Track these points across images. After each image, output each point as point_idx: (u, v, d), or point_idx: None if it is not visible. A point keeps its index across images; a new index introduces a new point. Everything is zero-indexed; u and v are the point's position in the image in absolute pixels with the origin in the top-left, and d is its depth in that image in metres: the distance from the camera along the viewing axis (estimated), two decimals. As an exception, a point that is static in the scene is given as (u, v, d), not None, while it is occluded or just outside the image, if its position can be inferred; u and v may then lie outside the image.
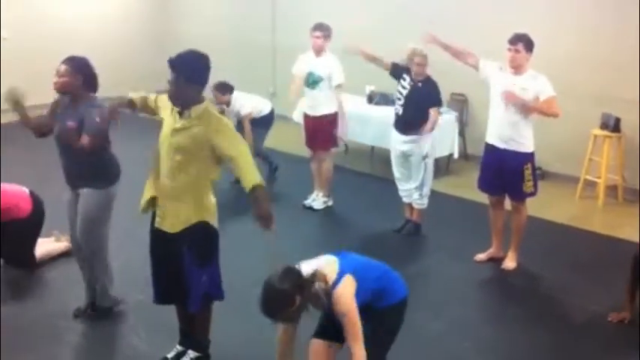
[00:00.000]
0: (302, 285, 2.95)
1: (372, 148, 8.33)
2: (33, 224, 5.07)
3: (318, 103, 6.30)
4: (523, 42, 4.95)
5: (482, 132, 8.08)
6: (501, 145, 5.09)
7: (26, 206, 5.06)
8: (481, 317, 4.70)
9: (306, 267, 3.07)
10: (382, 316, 3.19)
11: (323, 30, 6.21)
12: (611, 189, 7.00)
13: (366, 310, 3.07)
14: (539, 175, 7.55)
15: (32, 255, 5.07)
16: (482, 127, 7.99)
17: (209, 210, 3.67)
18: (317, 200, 6.46)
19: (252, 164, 3.52)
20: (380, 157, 7.98)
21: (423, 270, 5.35)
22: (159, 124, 3.70)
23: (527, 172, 5.14)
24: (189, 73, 3.49)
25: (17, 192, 5.10)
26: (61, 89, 4.22)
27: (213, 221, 3.69)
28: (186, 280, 3.62)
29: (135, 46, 11.32)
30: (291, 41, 9.85)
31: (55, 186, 6.38)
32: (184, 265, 3.59)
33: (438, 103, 5.73)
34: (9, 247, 5.00)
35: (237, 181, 3.56)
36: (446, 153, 7.64)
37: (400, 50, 5.86)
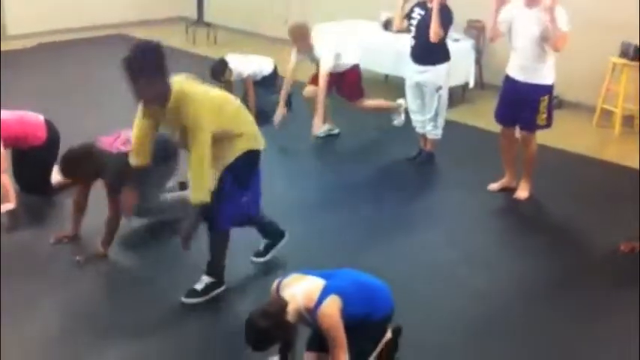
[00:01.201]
0: (282, 321, 3.02)
1: (387, 76, 8.24)
2: (49, 152, 5.09)
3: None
4: None
5: (499, 60, 8.00)
6: (521, 78, 5.04)
7: (42, 134, 5.08)
8: (492, 247, 4.74)
9: (290, 292, 3.12)
10: (367, 329, 3.24)
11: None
12: (628, 119, 6.93)
13: (354, 325, 3.12)
14: (556, 103, 7.48)
15: (48, 182, 5.13)
16: (499, 55, 7.95)
17: (245, 139, 3.83)
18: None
19: (200, 176, 3.58)
20: (394, 85, 7.90)
21: (437, 199, 5.39)
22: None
23: (543, 105, 5.10)
24: (143, 71, 3.57)
25: (33, 120, 5.11)
26: None
27: (252, 147, 3.85)
28: (220, 200, 3.71)
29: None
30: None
31: (65, 113, 6.47)
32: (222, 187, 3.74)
33: (445, 26, 5.55)
34: (26, 174, 5.06)
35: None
36: (462, 81, 7.55)
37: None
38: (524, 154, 5.23)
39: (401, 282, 3.84)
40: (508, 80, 5.19)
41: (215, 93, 3.82)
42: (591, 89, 7.13)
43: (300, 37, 6.13)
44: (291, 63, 6.29)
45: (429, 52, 5.56)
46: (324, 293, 3.08)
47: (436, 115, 5.76)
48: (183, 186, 4.55)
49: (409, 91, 5.88)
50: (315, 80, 6.30)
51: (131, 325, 3.75)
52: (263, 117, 6.90)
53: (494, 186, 5.40)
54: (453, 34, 7.59)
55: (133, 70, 3.53)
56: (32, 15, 9.99)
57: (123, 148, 4.35)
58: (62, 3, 10.43)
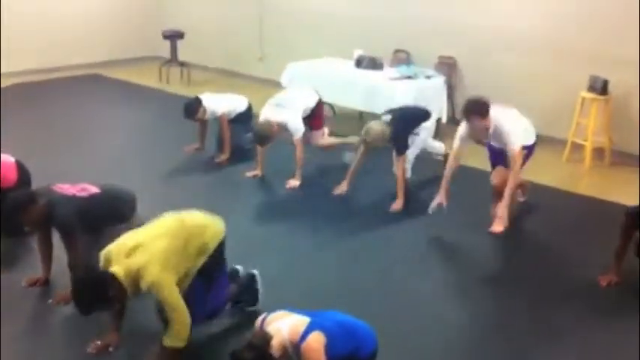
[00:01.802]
0: (266, 354, 3.03)
1: (361, 113, 8.30)
2: (20, 193, 5.04)
3: None
4: (475, 113, 5.04)
5: (470, 95, 8.11)
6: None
7: (12, 176, 5.03)
8: (467, 278, 4.74)
9: (275, 326, 3.14)
10: None
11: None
12: (598, 152, 7.03)
13: None
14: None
15: (20, 224, 5.06)
16: (471, 91, 8.06)
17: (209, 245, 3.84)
18: None
19: (179, 325, 3.54)
20: (368, 121, 7.94)
21: (408, 230, 5.38)
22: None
23: (523, 152, 5.28)
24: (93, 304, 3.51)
25: (4, 162, 5.06)
26: None
27: (215, 244, 3.87)
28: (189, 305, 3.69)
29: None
30: (279, 5, 9.82)
31: (40, 155, 6.44)
32: None
33: (406, 147, 5.89)
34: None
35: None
36: (434, 117, 7.60)
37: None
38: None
39: (378, 318, 3.84)
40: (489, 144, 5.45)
41: (157, 246, 3.61)
42: (561, 123, 7.23)
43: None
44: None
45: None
46: (309, 329, 3.08)
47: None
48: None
49: None
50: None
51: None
52: (239, 154, 6.94)
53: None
54: (425, 70, 7.74)
55: (81, 303, 3.49)
56: (5, 55, 9.98)
57: (78, 195, 4.33)
58: (36, 43, 10.44)
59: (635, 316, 4.18)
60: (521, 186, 5.65)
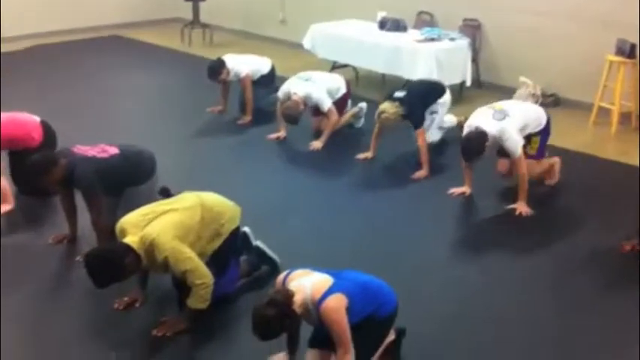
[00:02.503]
0: (289, 310, 3.02)
1: (384, 75, 8.24)
2: (45, 153, 5.08)
3: None
4: (474, 154, 5.00)
5: (495, 58, 8.04)
6: None
7: (37, 135, 5.06)
8: (487, 243, 4.72)
9: (297, 283, 3.13)
10: (372, 328, 3.24)
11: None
12: (625, 116, 6.93)
13: (358, 324, 3.12)
14: (552, 101, 7.50)
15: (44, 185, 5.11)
16: (495, 54, 7.98)
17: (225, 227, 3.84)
18: None
19: (202, 289, 3.55)
20: (391, 84, 7.90)
21: (431, 197, 5.36)
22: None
23: (535, 138, 5.25)
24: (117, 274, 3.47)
25: (29, 121, 5.10)
26: None
27: (231, 228, 3.85)
28: None
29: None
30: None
31: (62, 116, 6.46)
32: None
33: (422, 118, 5.81)
34: (22, 176, 5.04)
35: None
36: (458, 80, 7.54)
37: None
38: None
39: (400, 280, 3.84)
40: None
41: (173, 218, 3.62)
42: (588, 87, 7.13)
43: None
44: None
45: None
46: (332, 290, 3.07)
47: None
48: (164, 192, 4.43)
49: None
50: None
51: (127, 328, 3.73)
52: (261, 116, 6.92)
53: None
54: (449, 32, 7.64)
55: (96, 277, 3.44)
56: (26, 17, 9.98)
57: (98, 156, 4.34)
58: (57, 4, 10.42)
59: (659, 282, 4.15)
60: (549, 172, 5.52)
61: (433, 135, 6.04)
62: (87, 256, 3.48)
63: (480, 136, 4.94)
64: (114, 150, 4.43)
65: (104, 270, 3.42)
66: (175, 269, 3.54)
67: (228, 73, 6.84)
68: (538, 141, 5.28)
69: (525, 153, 5.15)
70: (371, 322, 3.20)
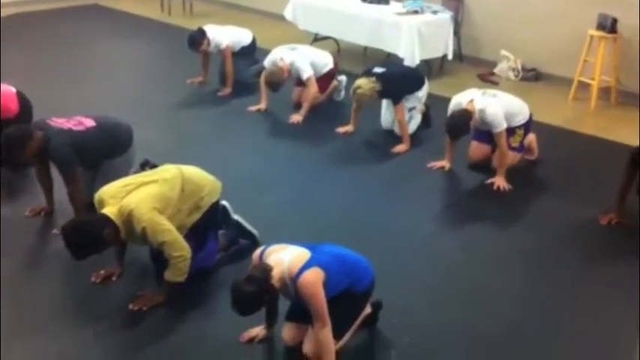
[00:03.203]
0: (267, 285, 3.03)
1: (365, 48, 8.19)
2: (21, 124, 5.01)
3: None
4: (459, 132, 5.05)
5: (477, 32, 8.02)
6: None
7: (13, 106, 5.00)
8: (467, 217, 4.75)
9: (275, 257, 3.13)
10: (349, 301, 3.26)
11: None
12: (605, 91, 6.95)
13: (335, 297, 3.14)
14: (532, 76, 7.52)
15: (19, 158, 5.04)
16: (478, 27, 7.96)
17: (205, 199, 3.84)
18: None
19: (180, 262, 3.55)
20: (373, 57, 7.87)
21: (414, 171, 5.37)
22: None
23: (519, 132, 5.28)
24: (93, 246, 3.45)
25: (5, 92, 5.02)
26: None
27: (211, 201, 3.85)
28: None
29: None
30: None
31: (40, 86, 6.38)
32: None
33: (403, 95, 5.77)
34: (-1, 148, 4.99)
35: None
36: (440, 54, 7.52)
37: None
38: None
39: (379, 252, 3.86)
40: None
41: (152, 190, 3.60)
42: (569, 62, 7.14)
43: None
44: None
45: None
46: (309, 264, 3.08)
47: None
48: (145, 165, 4.33)
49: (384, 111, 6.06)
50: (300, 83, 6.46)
51: (105, 302, 3.73)
52: (241, 88, 6.88)
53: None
54: (432, 5, 7.61)
55: (74, 249, 3.42)
56: (5, -16, 9.80)
57: (74, 128, 4.28)
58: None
59: (635, 256, 4.20)
60: (527, 150, 5.52)
61: (411, 129, 5.93)
62: (64, 228, 3.45)
63: (464, 114, 4.96)
64: (90, 122, 4.38)
65: (82, 242, 3.40)
66: (153, 240, 3.53)
67: (208, 43, 6.77)
68: (522, 134, 5.29)
69: (508, 145, 5.17)
70: (347, 295, 3.22)
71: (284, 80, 6.22)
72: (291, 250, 3.18)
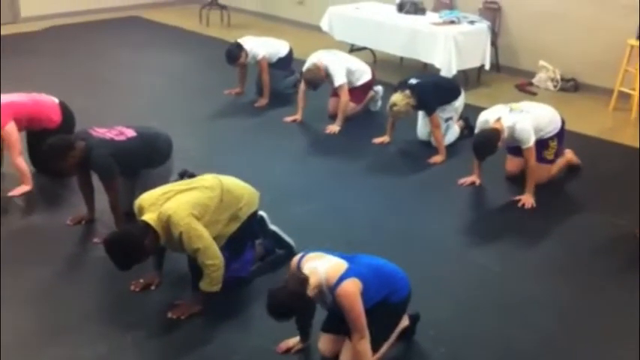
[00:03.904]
0: (303, 293, 3.04)
1: (401, 59, 8.19)
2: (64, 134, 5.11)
3: None
4: (486, 152, 4.93)
5: (515, 42, 7.97)
6: None
7: (56, 117, 5.10)
8: (504, 230, 4.70)
9: (311, 265, 3.14)
10: (385, 313, 3.24)
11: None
12: (646, 101, 6.85)
13: (372, 308, 3.13)
14: (571, 86, 7.43)
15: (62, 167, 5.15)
16: (515, 38, 7.91)
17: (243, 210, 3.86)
18: None
19: (214, 272, 3.58)
20: (409, 68, 7.86)
21: (444, 181, 5.34)
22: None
23: (553, 143, 5.18)
24: (135, 256, 3.49)
25: (48, 102, 5.14)
26: None
27: (249, 212, 3.88)
28: None
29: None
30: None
31: (81, 96, 6.50)
32: None
33: (436, 106, 5.73)
34: (40, 157, 5.08)
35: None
36: (477, 64, 7.48)
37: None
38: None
39: (415, 264, 3.85)
40: None
41: (191, 196, 3.64)
42: (608, 72, 7.05)
43: None
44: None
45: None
46: (347, 274, 3.07)
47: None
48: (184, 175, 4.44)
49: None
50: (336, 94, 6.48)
51: (143, 310, 3.77)
52: (278, 99, 6.92)
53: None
54: (469, 15, 7.58)
55: (118, 260, 3.49)
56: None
57: (115, 139, 4.36)
58: (75, -15, 10.43)
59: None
60: (568, 165, 5.46)
61: (449, 140, 5.92)
62: (107, 241, 3.50)
63: (492, 133, 4.88)
64: (131, 132, 4.45)
65: (126, 252, 3.45)
66: (188, 247, 3.56)
67: (246, 56, 6.84)
68: (556, 146, 5.20)
69: (543, 158, 5.13)
70: (384, 307, 3.21)
71: (322, 78, 6.25)
72: (328, 259, 3.19)
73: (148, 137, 4.53)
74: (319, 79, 6.23)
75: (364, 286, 3.09)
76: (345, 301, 3.04)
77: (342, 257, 3.23)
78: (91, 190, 4.54)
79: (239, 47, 6.83)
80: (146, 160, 4.46)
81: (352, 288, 3.05)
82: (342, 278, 3.06)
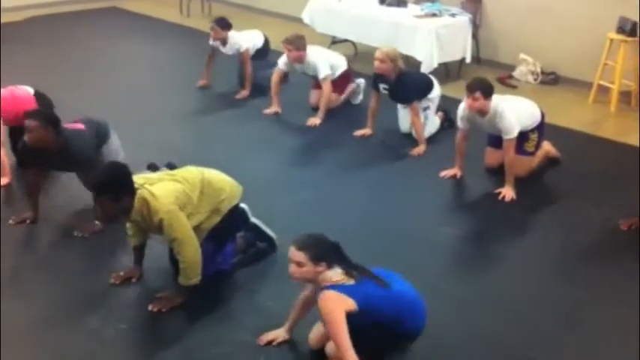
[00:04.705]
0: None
1: (383, 51, 8.17)
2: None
3: None
4: (480, 90, 4.86)
5: (496, 35, 7.99)
6: None
7: (32, 107, 5.02)
8: (488, 225, 4.72)
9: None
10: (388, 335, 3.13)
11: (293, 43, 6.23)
12: (625, 95, 6.90)
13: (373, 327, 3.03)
14: (551, 79, 7.47)
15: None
16: (496, 31, 7.93)
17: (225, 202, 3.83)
18: None
19: (192, 264, 3.55)
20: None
21: (427, 173, 5.34)
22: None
23: (533, 136, 5.18)
24: (114, 191, 3.45)
25: (23, 95, 5.05)
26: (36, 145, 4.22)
27: (231, 204, 3.85)
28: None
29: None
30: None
31: (61, 87, 6.42)
32: None
33: (414, 98, 5.77)
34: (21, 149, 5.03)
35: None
36: (458, 57, 7.50)
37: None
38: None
39: (398, 259, 3.84)
40: None
41: (175, 186, 3.61)
42: (588, 65, 7.09)
43: None
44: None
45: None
46: (344, 288, 2.97)
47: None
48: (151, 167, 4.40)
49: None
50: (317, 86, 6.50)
51: (124, 303, 3.74)
52: (258, 90, 6.89)
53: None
54: (450, 8, 7.58)
55: (101, 191, 3.47)
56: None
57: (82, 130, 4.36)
58: (54, -25, 10.31)
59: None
60: (546, 157, 5.48)
61: (429, 131, 5.94)
62: (100, 171, 3.56)
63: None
64: (80, 125, 4.45)
65: (114, 177, 3.47)
66: (166, 234, 3.54)
67: (225, 38, 6.81)
68: (536, 138, 5.21)
69: (524, 150, 5.14)
70: (387, 330, 3.09)
71: (304, 46, 6.28)
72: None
73: (93, 124, 4.53)
74: (301, 43, 6.25)
75: (360, 308, 2.95)
76: (323, 307, 2.93)
77: (385, 273, 3.12)
78: (40, 189, 4.52)
79: (227, 22, 6.87)
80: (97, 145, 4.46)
81: (335, 300, 2.92)
82: (333, 287, 2.97)
